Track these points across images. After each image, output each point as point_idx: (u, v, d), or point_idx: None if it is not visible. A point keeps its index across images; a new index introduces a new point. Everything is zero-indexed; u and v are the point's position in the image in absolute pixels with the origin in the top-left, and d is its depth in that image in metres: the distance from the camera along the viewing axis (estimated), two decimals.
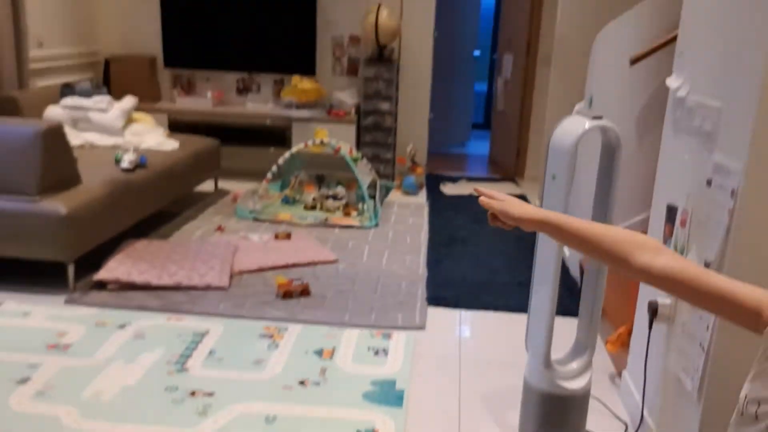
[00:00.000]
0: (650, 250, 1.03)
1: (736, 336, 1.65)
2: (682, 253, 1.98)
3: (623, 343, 2.46)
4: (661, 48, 3.14)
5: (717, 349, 1.70)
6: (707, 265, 1.78)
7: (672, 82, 2.26)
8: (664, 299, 2.02)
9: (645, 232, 2.74)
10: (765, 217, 1.62)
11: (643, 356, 2.18)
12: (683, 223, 2.01)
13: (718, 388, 1.67)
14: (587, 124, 1.94)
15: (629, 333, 2.40)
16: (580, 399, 2.02)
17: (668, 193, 2.17)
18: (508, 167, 6.19)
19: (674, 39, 2.44)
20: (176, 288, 3.10)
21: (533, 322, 2.02)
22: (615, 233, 1.08)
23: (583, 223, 1.13)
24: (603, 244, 1.07)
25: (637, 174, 3.33)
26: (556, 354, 2.05)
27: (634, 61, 3.32)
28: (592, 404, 2.17)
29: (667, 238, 2.11)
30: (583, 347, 2.08)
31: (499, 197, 1.27)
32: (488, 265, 3.72)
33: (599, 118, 2.01)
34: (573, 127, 1.93)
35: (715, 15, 1.97)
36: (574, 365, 2.05)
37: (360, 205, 4.47)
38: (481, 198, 1.28)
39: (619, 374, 2.49)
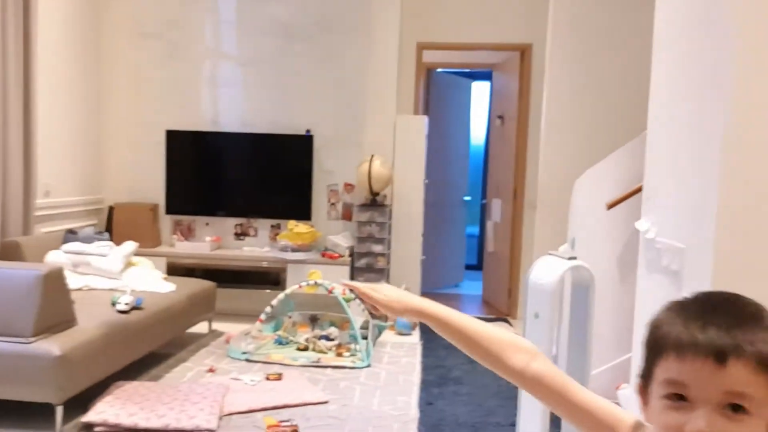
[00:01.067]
0: (526, 353, 1.06)
1: None
2: None
3: None
4: (635, 194, 3.33)
5: None
6: None
7: (641, 225, 2.41)
8: None
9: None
10: None
11: None
12: None
13: None
14: (563, 263, 2.06)
15: None
16: None
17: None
18: (500, 307, 6.26)
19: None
20: (164, 430, 3.07)
21: None
22: (493, 332, 1.09)
23: (464, 318, 1.13)
24: (481, 342, 1.08)
25: (621, 313, 3.41)
26: None
27: (611, 206, 3.52)
28: None
29: None
30: None
31: (373, 287, 1.22)
32: (482, 405, 3.69)
33: (573, 258, 2.13)
34: (549, 266, 2.05)
35: (676, 163, 2.15)
36: None
37: (353, 345, 4.49)
38: (355, 285, 1.22)
39: None
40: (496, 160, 6.80)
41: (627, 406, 2.44)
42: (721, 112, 1.78)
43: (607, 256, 3.47)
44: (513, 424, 3.41)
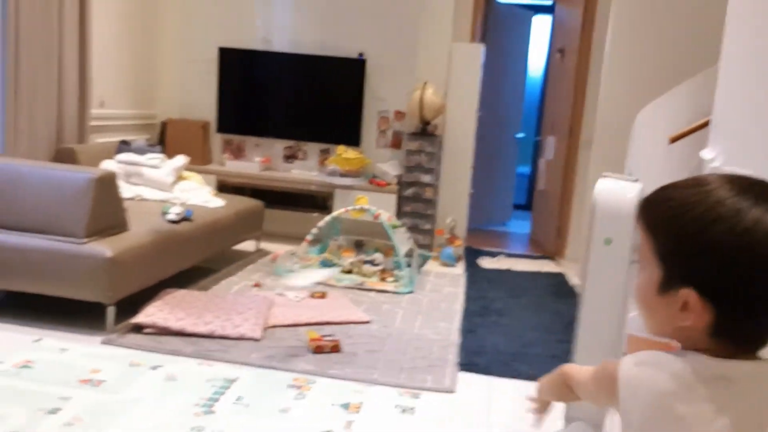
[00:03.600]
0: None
1: None
2: None
3: None
4: (699, 129, 3.18)
5: None
6: None
7: (706, 153, 2.30)
8: None
9: None
10: None
11: None
12: None
13: None
14: (633, 184, 1.96)
15: None
16: None
17: None
18: (548, 246, 6.17)
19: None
20: (210, 336, 3.14)
21: None
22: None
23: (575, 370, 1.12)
24: None
25: None
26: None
27: (674, 139, 3.37)
28: None
29: None
30: None
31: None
32: (522, 337, 3.67)
33: (636, 180, 2.04)
34: (618, 188, 1.95)
35: (748, 89, 2.02)
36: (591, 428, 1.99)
37: (396, 272, 4.50)
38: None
39: None
40: (553, 96, 6.59)
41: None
42: None
43: None
44: (553, 356, 3.39)
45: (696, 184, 0.86)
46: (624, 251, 1.84)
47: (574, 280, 5.02)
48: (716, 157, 2.19)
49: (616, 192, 1.88)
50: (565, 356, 3.36)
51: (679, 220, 0.84)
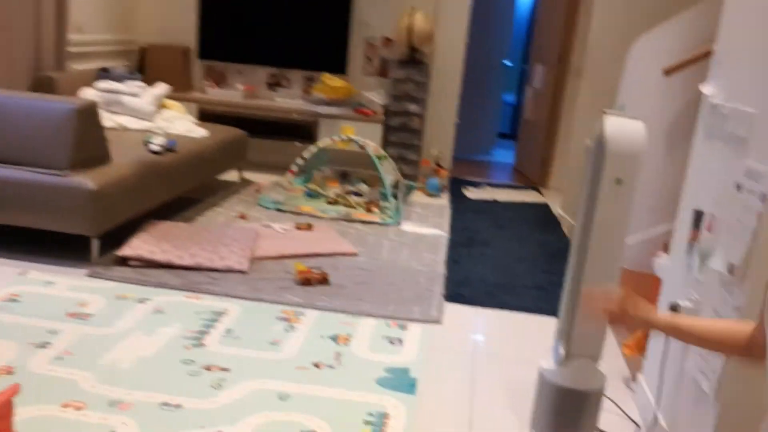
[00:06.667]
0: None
1: None
2: (706, 257, 1.97)
3: (641, 347, 2.44)
4: (697, 61, 3.12)
5: None
6: (732, 267, 1.77)
7: (707, 88, 2.26)
8: (685, 301, 2.01)
9: (668, 242, 2.73)
10: None
11: (659, 359, 2.16)
12: (710, 228, 2.00)
13: (735, 389, 1.66)
14: (637, 123, 1.92)
15: (647, 337, 2.38)
16: (595, 396, 2.01)
17: (696, 198, 2.16)
18: (532, 176, 6.17)
19: (709, 53, 2.43)
20: (197, 268, 3.14)
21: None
22: (717, 325, 1.12)
23: (688, 321, 1.15)
24: (713, 337, 1.10)
25: (664, 184, 3.31)
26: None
27: (669, 71, 3.31)
28: (605, 405, 2.15)
29: (693, 242, 2.10)
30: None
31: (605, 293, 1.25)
32: (507, 268, 3.71)
33: (635, 118, 2.00)
34: (624, 126, 1.91)
35: (754, 24, 1.97)
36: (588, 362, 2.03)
37: (382, 203, 4.48)
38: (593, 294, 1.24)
39: (634, 378, 2.47)
40: (543, 22, 6.44)
41: (662, 275, 2.41)
42: None
43: (658, 125, 3.32)
44: (538, 287, 3.44)
45: None
46: (631, 191, 1.83)
47: (558, 210, 5.04)
48: (717, 93, 2.15)
49: (625, 131, 1.84)
50: (551, 287, 3.42)
51: None
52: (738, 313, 1.69)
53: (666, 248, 2.65)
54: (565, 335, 2.00)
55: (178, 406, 2.04)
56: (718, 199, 1.96)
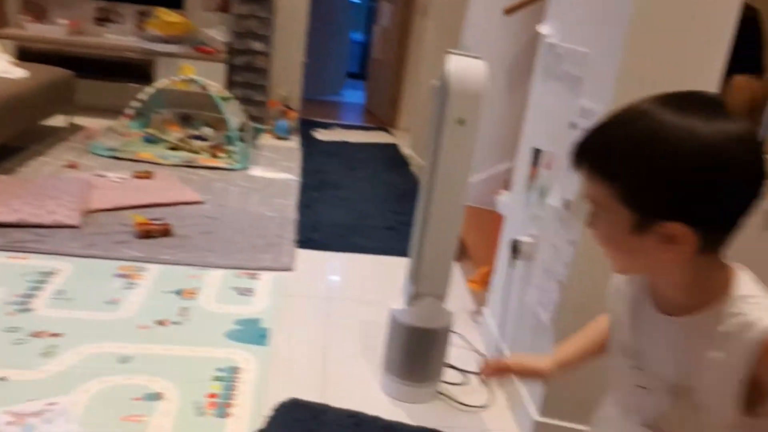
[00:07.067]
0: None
1: (587, 273, 1.74)
2: (544, 193, 2.04)
3: (485, 282, 2.53)
4: (536, 1, 3.19)
5: (571, 284, 1.77)
6: (568, 203, 1.85)
7: (544, 28, 2.30)
8: (526, 238, 2.09)
9: (508, 180, 2.83)
10: None
11: (502, 293, 2.25)
12: (548, 166, 2.07)
13: (569, 318, 1.75)
14: (481, 63, 1.92)
15: (490, 273, 2.47)
16: (442, 334, 2.05)
17: (535, 136, 2.22)
18: (382, 117, 6.18)
19: None
20: (20, 225, 2.83)
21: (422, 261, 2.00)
22: (596, 332, 1.13)
23: (583, 344, 1.15)
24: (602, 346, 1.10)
25: (504, 124, 3.41)
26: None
27: (509, 11, 3.37)
28: (453, 340, 2.22)
29: (532, 180, 2.17)
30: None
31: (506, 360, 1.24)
32: (358, 210, 3.70)
33: (478, 58, 2.00)
34: (468, 67, 1.90)
35: None
36: (435, 301, 2.07)
37: (228, 147, 4.29)
38: (507, 366, 1.21)
39: (479, 312, 2.57)
40: None
41: (504, 212, 2.49)
42: None
43: (499, 65, 3.39)
44: (389, 228, 3.47)
45: (637, 117, 0.81)
46: (474, 131, 1.84)
47: (406, 150, 5.10)
48: (553, 33, 2.20)
49: (468, 72, 1.83)
50: (401, 227, 3.45)
51: (640, 159, 0.79)
52: (573, 246, 1.77)
53: (507, 186, 2.74)
54: (414, 276, 2.02)
55: (2, 379, 1.85)
56: (555, 138, 2.03)
